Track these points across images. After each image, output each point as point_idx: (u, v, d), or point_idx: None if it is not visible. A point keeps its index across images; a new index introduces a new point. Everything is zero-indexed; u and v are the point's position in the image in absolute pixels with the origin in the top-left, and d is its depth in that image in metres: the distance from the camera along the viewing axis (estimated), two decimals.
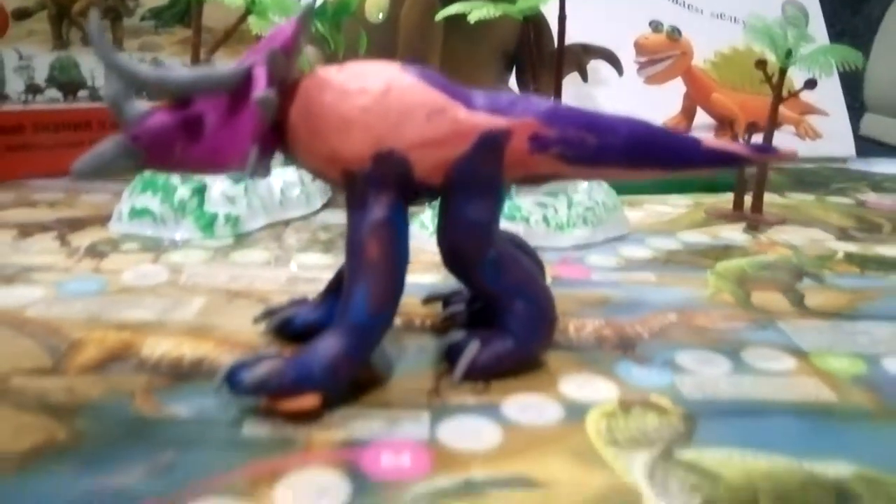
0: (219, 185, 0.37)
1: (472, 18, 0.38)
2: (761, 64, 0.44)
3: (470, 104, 0.22)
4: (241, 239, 0.37)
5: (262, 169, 0.21)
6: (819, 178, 0.59)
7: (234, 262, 0.33)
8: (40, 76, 0.46)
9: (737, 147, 0.25)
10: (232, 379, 0.20)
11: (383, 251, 0.21)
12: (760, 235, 0.42)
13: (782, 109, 0.57)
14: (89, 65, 0.48)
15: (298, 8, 0.37)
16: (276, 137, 0.21)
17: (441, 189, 0.22)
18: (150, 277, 0.31)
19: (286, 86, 0.21)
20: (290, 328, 0.25)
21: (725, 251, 0.39)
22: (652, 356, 0.26)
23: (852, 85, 1.44)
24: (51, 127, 0.47)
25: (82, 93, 0.48)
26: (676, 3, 0.59)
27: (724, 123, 0.55)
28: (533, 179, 0.24)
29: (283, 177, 0.41)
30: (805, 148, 0.57)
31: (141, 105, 0.20)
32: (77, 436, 0.19)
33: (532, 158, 0.23)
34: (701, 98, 0.55)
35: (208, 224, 0.36)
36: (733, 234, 0.42)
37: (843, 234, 0.43)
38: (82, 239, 0.35)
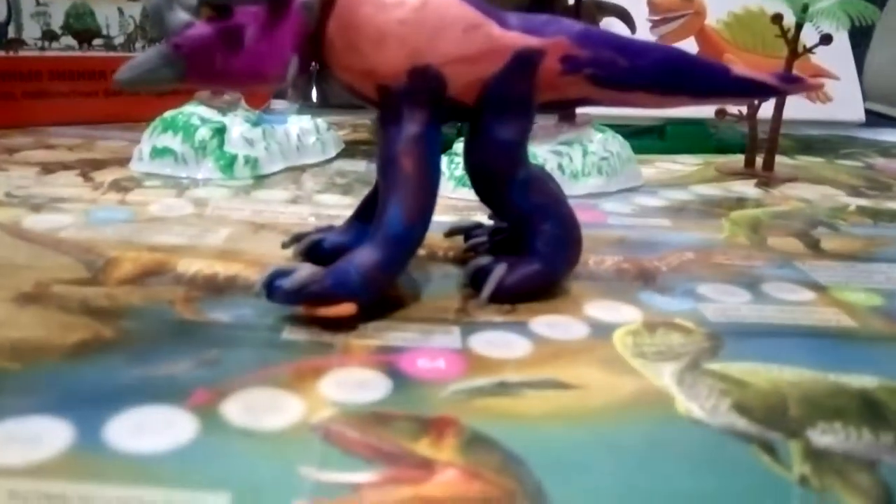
0: (238, 128, 0.37)
1: None
2: (777, 18, 0.44)
3: (504, 23, 0.22)
4: (261, 180, 0.37)
5: (301, 86, 0.22)
6: (828, 144, 0.60)
7: (256, 199, 0.34)
8: (56, 23, 0.46)
9: (765, 76, 0.25)
10: (271, 286, 0.20)
11: (417, 165, 0.21)
12: (773, 191, 0.43)
13: (794, 72, 0.57)
14: (104, 13, 0.48)
15: None
16: (314, 51, 0.22)
17: (473, 108, 0.23)
18: (175, 209, 0.31)
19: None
20: (318, 251, 0.25)
21: (739, 202, 0.39)
22: (673, 287, 0.26)
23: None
24: (67, 75, 0.47)
25: (97, 41, 0.48)
26: None
27: None
28: (562, 103, 0.24)
29: (300, 124, 0.41)
30: (816, 111, 0.57)
31: (183, 15, 0.20)
32: (123, 334, 0.19)
33: (563, 79, 0.23)
34: (713, 58, 0.56)
35: (228, 164, 0.36)
36: (746, 188, 0.43)
37: (855, 192, 0.44)
38: (105, 176, 0.36)
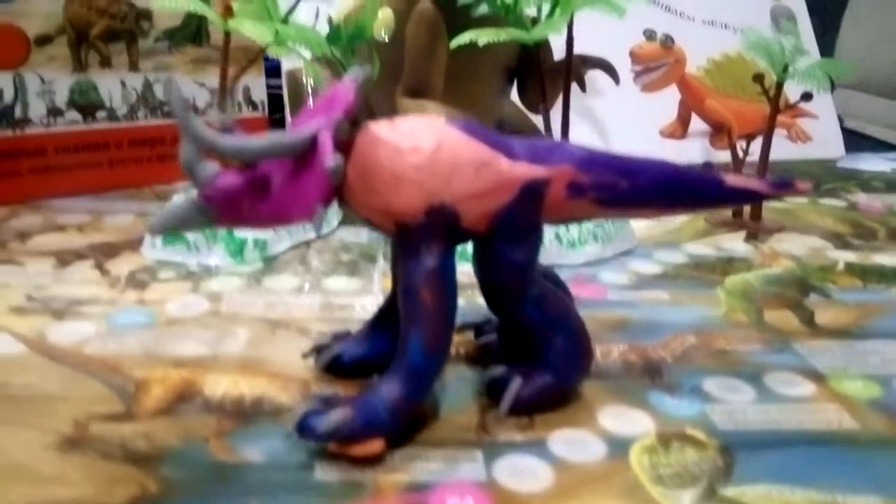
0: None
1: (480, 42, 0.39)
2: (758, 78, 0.46)
3: (512, 154, 0.23)
4: (270, 262, 0.38)
5: (324, 214, 0.23)
6: (809, 177, 0.61)
7: (267, 289, 0.34)
8: (61, 99, 0.47)
9: (755, 184, 0.26)
10: (304, 427, 0.21)
11: (436, 297, 0.22)
12: (762, 245, 0.44)
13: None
14: (107, 86, 0.49)
15: (318, 39, 0.38)
16: (333, 190, 0.23)
17: (484, 234, 0.24)
18: (192, 307, 0.32)
19: (342, 142, 0.22)
20: (338, 364, 0.26)
21: (731, 264, 0.41)
22: (679, 383, 0.27)
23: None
24: (71, 148, 0.47)
25: (100, 114, 0.49)
26: (669, 11, 0.60)
27: (719, 129, 0.57)
28: (568, 220, 0.26)
29: None
30: (797, 150, 0.59)
31: (212, 166, 0.21)
32: (166, 485, 0.20)
33: (569, 203, 0.24)
34: (695, 105, 0.57)
35: (238, 249, 0.37)
36: (735, 244, 0.44)
37: (841, 242, 0.45)
38: (119, 266, 0.36)
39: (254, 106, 0.56)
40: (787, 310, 0.34)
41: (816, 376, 0.28)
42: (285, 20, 0.38)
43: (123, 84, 0.49)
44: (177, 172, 0.40)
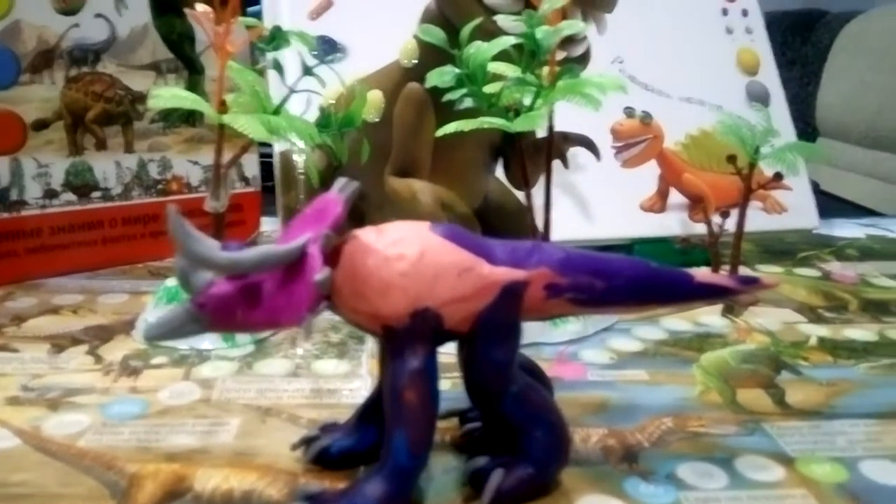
0: None
1: (466, 129, 0.41)
2: (732, 159, 0.48)
3: (492, 258, 0.25)
4: (261, 345, 0.39)
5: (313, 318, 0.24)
6: (784, 245, 0.63)
7: (258, 375, 0.35)
8: (56, 181, 0.48)
9: (724, 280, 0.28)
10: None
11: (420, 398, 0.24)
12: (737, 320, 0.45)
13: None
14: (101, 167, 0.50)
15: (309, 130, 0.40)
16: (322, 298, 0.24)
17: (466, 334, 0.25)
18: (185, 396, 0.33)
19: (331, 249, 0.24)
20: (326, 456, 0.27)
21: (707, 340, 0.42)
22: (655, 470, 0.28)
23: (805, 111, 1.51)
24: (66, 228, 0.49)
25: (95, 194, 0.50)
26: (648, 89, 0.63)
27: (697, 202, 0.59)
28: (546, 318, 0.27)
29: None
30: (772, 222, 0.61)
31: (205, 276, 0.23)
32: None
33: (547, 303, 0.26)
34: (673, 179, 0.59)
35: (230, 334, 0.38)
36: (712, 318, 0.46)
37: (814, 315, 0.47)
38: (113, 352, 0.37)
39: (246, 181, 0.58)
40: (759, 388, 0.36)
41: (786, 460, 0.29)
42: (277, 111, 0.39)
43: (118, 164, 0.51)
44: (169, 248, 0.41)
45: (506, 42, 0.37)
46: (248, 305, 0.23)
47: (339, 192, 0.24)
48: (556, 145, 0.55)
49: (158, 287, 0.41)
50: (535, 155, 0.50)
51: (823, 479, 0.28)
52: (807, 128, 1.54)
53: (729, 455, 0.30)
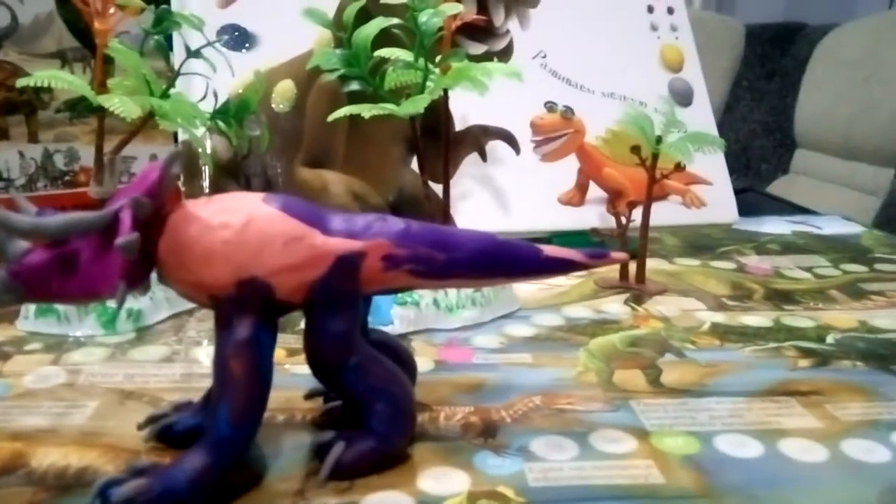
0: None
1: (366, 115, 0.41)
2: (636, 149, 0.49)
3: (327, 230, 0.25)
4: (143, 333, 0.38)
5: (141, 289, 0.24)
6: (709, 240, 0.64)
7: (131, 360, 0.35)
8: None
9: (572, 254, 0.28)
10: (101, 496, 0.22)
11: (245, 369, 0.23)
12: (639, 308, 0.46)
13: (668, 181, 0.62)
14: (4, 156, 0.50)
15: (196, 114, 0.40)
16: (148, 266, 0.24)
17: (303, 305, 0.25)
18: (49, 380, 0.33)
19: (157, 219, 0.24)
20: (171, 434, 0.27)
21: (602, 326, 0.42)
22: (509, 443, 0.28)
23: (783, 122, 1.53)
24: None
25: None
26: (570, 84, 0.63)
27: (617, 195, 0.59)
28: (388, 291, 0.27)
29: None
30: (691, 216, 0.62)
31: (20, 244, 0.22)
32: None
33: (385, 275, 0.26)
34: (593, 173, 0.60)
35: (110, 320, 0.38)
36: (614, 306, 0.46)
37: (716, 303, 0.47)
38: None
39: None
40: (637, 369, 0.36)
41: (642, 434, 0.29)
42: (165, 94, 0.39)
43: (22, 155, 0.50)
44: None
45: (383, 22, 0.37)
46: (63, 275, 0.22)
47: (161, 162, 0.24)
48: (476, 138, 0.55)
49: None
50: (451, 147, 0.50)
51: (673, 451, 0.28)
52: (785, 139, 1.56)
53: (586, 430, 0.30)
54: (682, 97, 0.66)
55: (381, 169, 0.53)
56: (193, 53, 0.39)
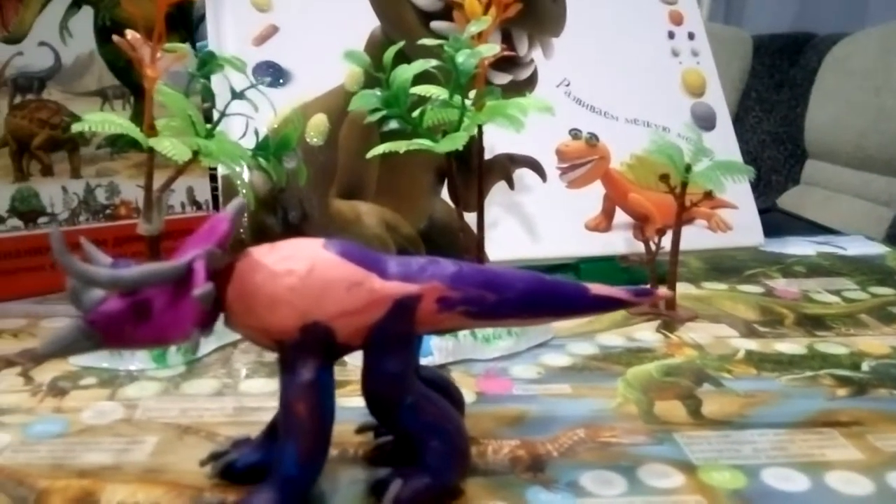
0: None
1: (401, 151, 0.42)
2: (665, 178, 0.49)
3: (384, 273, 0.26)
4: (192, 366, 0.39)
5: (207, 334, 0.25)
6: (735, 262, 0.64)
7: (184, 394, 0.36)
8: (2, 207, 0.49)
9: (619, 292, 0.29)
10: None
11: (310, 411, 0.24)
12: (672, 335, 0.46)
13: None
14: (48, 192, 0.51)
15: (240, 153, 0.41)
16: (216, 312, 0.25)
17: (361, 347, 0.26)
18: (107, 415, 0.34)
19: (223, 266, 0.25)
20: (232, 470, 0.28)
21: (637, 355, 0.43)
22: (558, 478, 0.29)
23: (794, 133, 1.54)
24: (13, 253, 0.49)
25: (42, 219, 0.51)
26: (594, 111, 0.64)
27: (642, 221, 0.60)
28: (441, 331, 0.28)
29: None
30: (717, 240, 0.62)
31: (96, 293, 0.23)
32: None
33: (439, 316, 0.26)
34: (619, 198, 0.60)
35: (161, 354, 0.39)
36: (647, 334, 0.46)
37: (748, 330, 0.48)
38: (44, 374, 0.38)
39: (198, 206, 0.58)
40: (677, 400, 0.37)
41: (688, 467, 0.30)
42: (210, 135, 0.40)
43: (65, 190, 0.52)
44: None
45: (423, 64, 0.38)
46: (137, 322, 0.24)
47: (229, 212, 0.25)
48: (503, 166, 0.56)
49: None
50: (476, 177, 0.51)
51: (721, 486, 0.29)
52: (796, 149, 1.56)
53: (633, 463, 0.30)
54: (705, 121, 0.67)
55: (412, 198, 0.54)
56: (238, 95, 0.41)
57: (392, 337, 0.26)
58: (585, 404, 0.36)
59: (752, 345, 0.45)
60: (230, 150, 0.40)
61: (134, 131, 0.38)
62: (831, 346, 0.45)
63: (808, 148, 1.53)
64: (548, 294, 0.28)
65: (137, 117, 0.53)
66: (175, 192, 0.57)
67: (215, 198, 0.60)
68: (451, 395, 0.30)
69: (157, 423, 0.33)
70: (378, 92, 0.39)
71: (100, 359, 0.39)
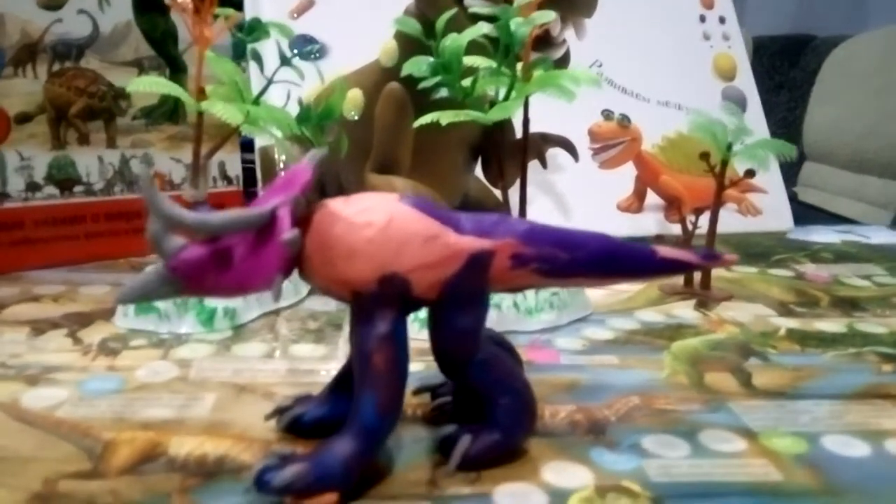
0: None
1: (443, 122, 0.42)
2: (705, 156, 0.49)
3: (459, 228, 0.26)
4: (239, 331, 0.39)
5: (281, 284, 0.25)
6: (761, 248, 0.65)
7: (235, 356, 0.36)
8: (39, 174, 0.49)
9: (687, 255, 0.29)
10: (260, 481, 0.23)
11: (388, 362, 0.24)
12: (710, 313, 0.46)
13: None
14: (84, 162, 0.51)
15: (288, 120, 0.41)
16: (294, 262, 0.25)
17: (434, 302, 0.26)
18: (162, 373, 0.34)
19: (301, 218, 0.25)
20: (299, 425, 0.28)
21: (679, 330, 0.43)
22: (620, 441, 0.29)
23: (793, 135, 1.53)
24: (49, 221, 0.49)
25: (77, 188, 0.51)
26: (625, 92, 0.64)
27: (673, 203, 0.60)
28: (512, 289, 0.28)
29: None
30: (747, 224, 0.62)
31: (178, 240, 0.23)
32: None
33: (512, 273, 0.26)
34: (650, 180, 0.60)
35: (209, 318, 0.39)
36: (685, 311, 0.46)
37: (785, 310, 0.48)
38: (92, 335, 0.38)
39: (228, 180, 0.58)
40: (726, 372, 0.37)
41: (748, 434, 0.30)
42: (256, 101, 0.40)
43: (101, 160, 0.52)
44: (146, 248, 0.43)
45: (479, 29, 0.38)
46: (218, 269, 0.23)
47: (310, 161, 0.25)
48: (536, 146, 0.56)
49: None
50: (513, 155, 0.51)
51: (784, 451, 0.29)
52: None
53: (692, 429, 0.30)
54: (736, 104, 0.67)
55: (447, 175, 0.54)
56: (287, 62, 0.40)
57: (465, 292, 0.26)
58: (635, 374, 0.36)
59: (792, 323, 0.45)
60: (279, 117, 0.40)
61: (184, 95, 0.38)
62: (870, 325, 0.45)
63: (806, 150, 1.53)
64: (617, 255, 0.28)
65: None
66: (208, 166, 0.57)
67: (245, 173, 0.60)
68: (514, 355, 0.30)
69: (213, 382, 0.33)
70: (429, 59, 0.39)
71: (148, 322, 0.39)
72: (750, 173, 0.49)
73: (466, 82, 0.39)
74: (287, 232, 0.23)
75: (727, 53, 0.68)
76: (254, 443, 0.28)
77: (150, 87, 0.37)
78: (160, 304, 0.39)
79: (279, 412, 0.29)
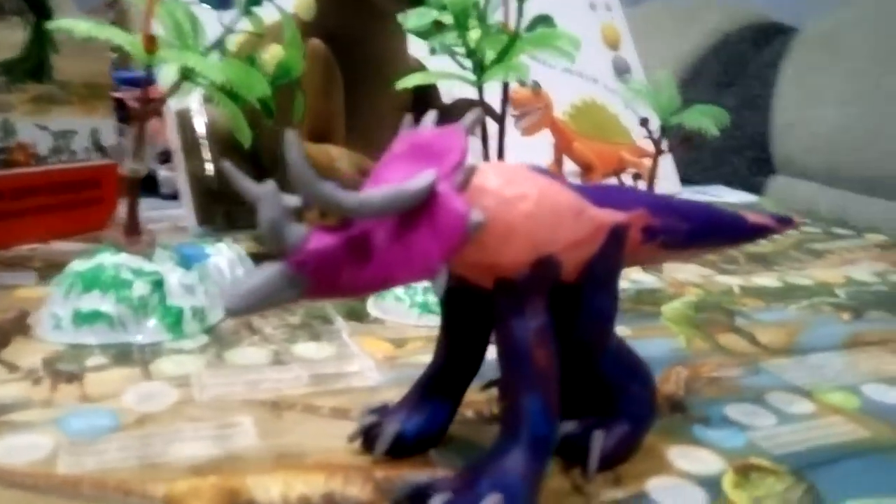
0: (173, 275, 0.32)
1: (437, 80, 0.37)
2: (644, 122, 0.50)
3: (592, 201, 0.23)
4: (214, 334, 0.33)
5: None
6: None
7: (236, 366, 0.30)
8: None
9: (768, 220, 0.28)
10: None
11: (548, 357, 0.21)
12: (661, 274, 0.47)
13: (626, 155, 0.64)
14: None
15: (262, 84, 0.34)
16: (461, 248, 0.20)
17: (570, 286, 0.22)
18: (158, 398, 0.26)
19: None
20: (402, 442, 0.23)
21: (652, 295, 0.43)
22: (707, 415, 0.28)
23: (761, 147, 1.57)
24: None
25: None
26: (534, 58, 0.63)
27: (586, 170, 0.60)
28: (637, 265, 0.26)
29: (225, 255, 0.37)
30: (641, 187, 0.65)
31: (301, 228, 0.18)
32: None
33: (641, 247, 0.24)
34: (564, 147, 0.60)
35: (175, 322, 0.32)
36: (641, 276, 0.47)
37: (717, 269, 0.50)
38: (23, 357, 0.29)
39: (102, 151, 0.49)
40: (730, 333, 0.37)
41: (805, 393, 0.30)
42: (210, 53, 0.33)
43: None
44: (16, 234, 0.34)
45: None
46: (355, 262, 0.18)
47: (460, 128, 0.20)
48: (463, 111, 0.53)
49: (60, 275, 0.32)
50: (445, 118, 0.47)
51: (845, 406, 0.29)
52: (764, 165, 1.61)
53: (755, 395, 0.30)
54: (624, 72, 0.69)
55: (382, 141, 0.49)
56: (254, 2, 0.34)
57: (604, 272, 0.23)
58: (658, 344, 0.35)
59: (736, 280, 0.47)
60: (253, 80, 0.33)
61: (136, 46, 0.30)
62: (794, 278, 0.48)
63: (777, 161, 1.57)
64: (720, 223, 0.26)
65: (37, 42, 0.43)
66: (78, 133, 0.47)
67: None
68: None
69: (234, 402, 0.27)
70: (434, 11, 0.34)
71: (98, 333, 0.31)
72: (644, 121, 0.50)
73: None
74: (469, 212, 0.18)
75: (611, 24, 0.70)
76: (349, 472, 0.22)
77: (94, 32, 0.29)
78: (111, 310, 0.31)
79: (366, 431, 0.24)
